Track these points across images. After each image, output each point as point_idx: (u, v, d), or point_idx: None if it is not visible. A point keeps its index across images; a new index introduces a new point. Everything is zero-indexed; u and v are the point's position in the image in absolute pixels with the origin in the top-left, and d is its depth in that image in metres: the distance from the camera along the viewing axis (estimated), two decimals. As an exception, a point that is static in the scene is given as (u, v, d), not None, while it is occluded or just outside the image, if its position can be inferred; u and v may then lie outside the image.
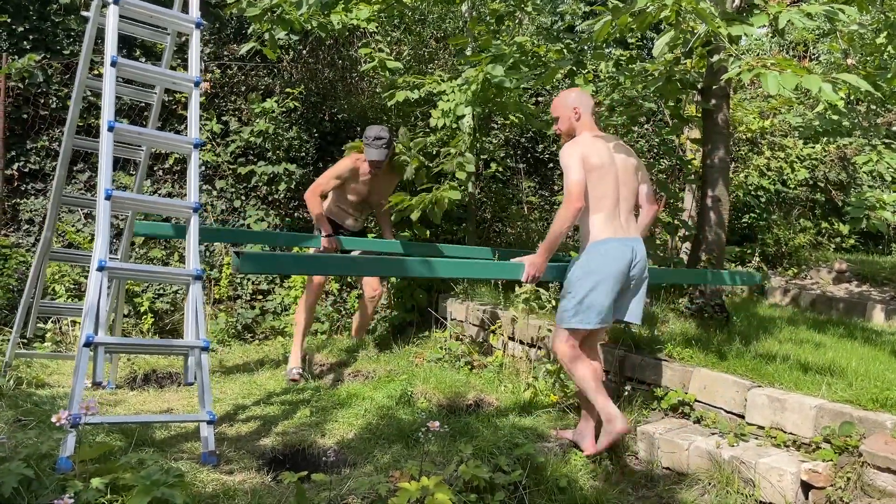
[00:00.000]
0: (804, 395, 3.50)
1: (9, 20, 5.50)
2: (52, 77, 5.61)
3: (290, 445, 3.51)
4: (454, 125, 5.46)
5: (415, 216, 5.10)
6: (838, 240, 8.36)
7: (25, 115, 5.56)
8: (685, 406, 3.88)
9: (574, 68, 5.06)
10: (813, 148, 8.31)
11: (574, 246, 5.57)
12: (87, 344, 2.96)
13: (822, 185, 8.40)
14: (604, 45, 5.19)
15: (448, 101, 5.43)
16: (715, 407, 3.79)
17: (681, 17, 3.49)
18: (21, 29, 5.55)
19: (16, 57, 5.49)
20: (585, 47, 5.20)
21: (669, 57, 5.16)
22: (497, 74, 4.85)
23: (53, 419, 2.34)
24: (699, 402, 3.86)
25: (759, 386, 3.67)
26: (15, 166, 5.55)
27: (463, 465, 2.96)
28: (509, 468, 3.21)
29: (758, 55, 10.37)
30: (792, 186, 8.16)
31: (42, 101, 5.62)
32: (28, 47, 5.57)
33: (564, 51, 5.43)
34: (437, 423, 2.83)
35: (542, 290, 4.65)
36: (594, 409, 3.55)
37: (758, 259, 7.62)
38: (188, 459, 3.17)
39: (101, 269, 3.05)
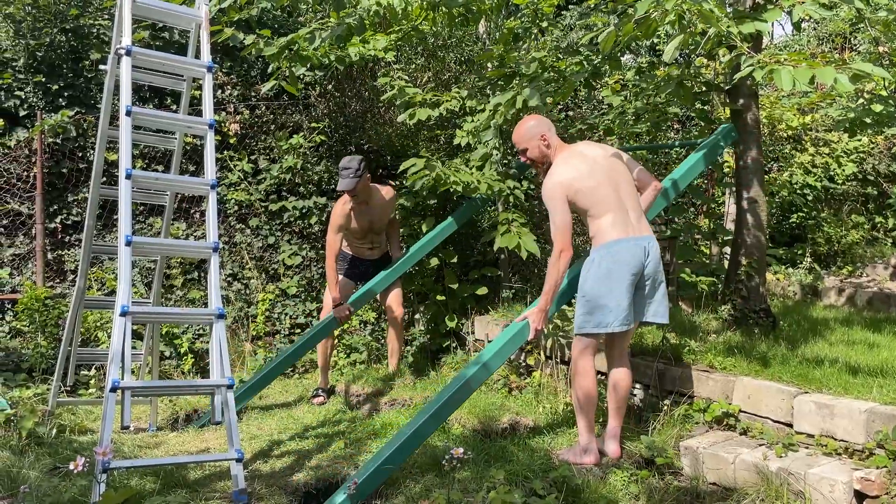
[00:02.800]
0: (854, 400, 3.32)
1: (44, 79, 5.72)
2: (87, 130, 5.80)
3: (322, 479, 3.49)
4: (478, 145, 5.44)
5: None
6: (895, 234, 7.99)
7: (64, 170, 5.75)
8: (730, 417, 3.73)
9: (591, 80, 4.99)
10: (859, 140, 7.99)
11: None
12: (114, 389, 2.99)
13: (873, 178, 8.06)
14: (619, 54, 5.10)
15: (473, 121, 5.42)
16: (761, 417, 3.62)
17: (685, 21, 3.40)
18: (56, 87, 5.76)
19: (52, 114, 5.70)
20: (602, 58, 5.12)
21: (673, 68, 5.06)
22: (533, 100, 4.81)
23: (71, 466, 2.36)
24: (744, 412, 3.70)
25: (806, 392, 3.50)
26: (57, 219, 5.73)
27: (493, 492, 2.88)
28: (544, 492, 3.12)
29: (796, 50, 10.10)
30: (840, 182, 7.85)
31: (80, 154, 5.81)
32: (63, 103, 5.78)
33: (584, 62, 5.36)
34: (461, 450, 2.76)
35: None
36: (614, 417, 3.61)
37: (809, 259, 7.33)
38: (220, 499, 3.17)
39: (123, 314, 3.10)
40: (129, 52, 3.44)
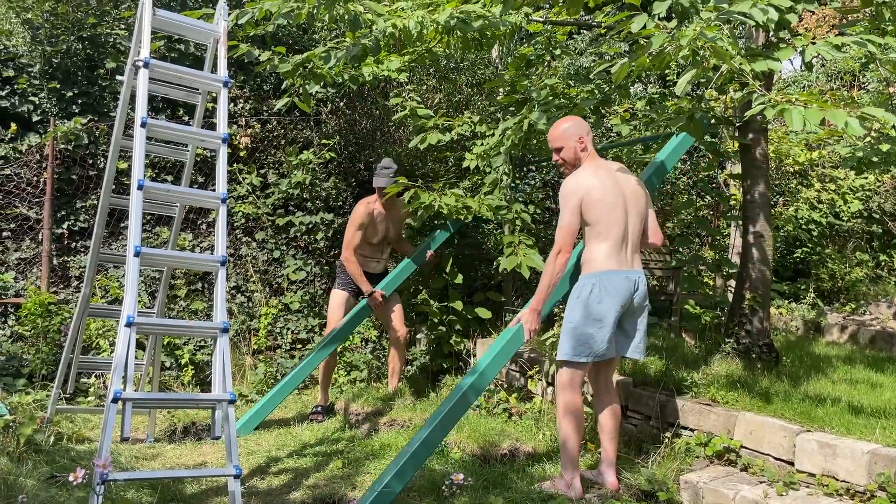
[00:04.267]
0: (856, 440, 3.30)
1: (58, 86, 5.76)
2: (98, 139, 5.84)
3: (319, 499, 3.47)
4: (487, 168, 5.46)
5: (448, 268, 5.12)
6: (899, 272, 7.99)
7: (74, 176, 5.78)
8: (731, 453, 3.70)
9: (600, 107, 5.03)
10: (866, 178, 8.01)
11: None
12: (115, 400, 2.98)
13: (878, 216, 8.07)
14: (628, 84, 5.14)
15: (483, 145, 5.45)
16: (762, 453, 3.60)
17: (699, 56, 3.43)
18: (70, 94, 5.81)
19: (65, 121, 5.74)
20: (612, 87, 5.17)
21: (685, 101, 5.09)
22: (541, 123, 4.84)
23: (70, 477, 2.34)
24: (745, 448, 3.67)
25: (809, 431, 3.48)
26: (64, 225, 5.75)
27: (491, 520, 2.86)
28: (542, 521, 3.09)
29: (804, 87, 10.16)
30: (845, 219, 7.86)
31: (90, 161, 5.84)
32: (77, 111, 5.82)
33: (595, 91, 5.41)
34: (461, 476, 2.75)
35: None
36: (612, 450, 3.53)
37: (813, 295, 7.32)
38: (216, 515, 3.15)
39: (129, 324, 3.10)
40: (146, 65, 3.47)
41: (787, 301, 7.18)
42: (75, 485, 2.42)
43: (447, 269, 5.65)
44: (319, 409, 4.99)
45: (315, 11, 4.70)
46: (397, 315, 5.16)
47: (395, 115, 6.08)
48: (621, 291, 3.41)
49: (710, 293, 5.81)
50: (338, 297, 5.09)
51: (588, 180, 3.45)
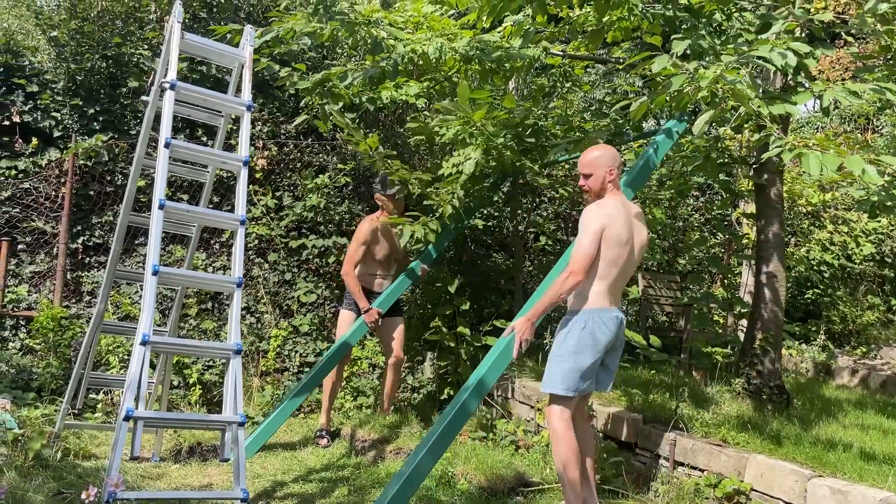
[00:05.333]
0: (868, 487, 3.27)
1: (81, 103, 5.85)
2: (118, 156, 5.90)
3: (325, 526, 3.44)
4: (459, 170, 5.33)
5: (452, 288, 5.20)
6: (911, 317, 7.96)
7: (92, 192, 5.83)
8: (741, 495, 3.67)
9: (613, 140, 5.08)
10: (879, 222, 8.02)
11: None
12: (127, 418, 2.99)
13: (891, 260, 8.06)
14: (642, 121, 5.18)
15: (461, 154, 5.36)
16: (773, 497, 3.57)
17: (718, 97, 3.47)
18: (92, 111, 5.88)
19: (86, 137, 5.81)
20: (627, 121, 5.23)
21: (702, 140, 5.12)
22: (496, 133, 4.83)
23: (83, 496, 2.34)
24: (756, 490, 3.64)
25: (821, 476, 3.45)
26: (80, 240, 5.79)
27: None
28: (550, 558, 3.06)
29: (818, 129, 10.20)
30: (857, 261, 7.85)
31: (108, 178, 5.90)
32: (97, 128, 5.90)
33: (612, 126, 5.46)
34: (470, 509, 2.73)
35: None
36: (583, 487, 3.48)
37: (823, 337, 7.29)
38: (221, 538, 3.13)
39: (144, 343, 3.11)
40: (173, 87, 3.52)
41: (797, 342, 7.15)
42: (87, 503, 2.41)
43: (452, 290, 5.65)
44: (324, 432, 4.97)
45: (337, 33, 4.78)
46: (398, 339, 5.16)
47: (410, 139, 6.12)
48: (612, 329, 3.45)
49: (721, 331, 5.80)
50: (346, 318, 5.08)
51: (615, 214, 3.45)
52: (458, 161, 5.00)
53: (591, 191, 3.57)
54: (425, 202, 5.22)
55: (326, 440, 4.91)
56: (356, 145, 5.06)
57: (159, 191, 3.36)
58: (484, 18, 5.09)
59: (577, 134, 5.37)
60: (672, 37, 4.14)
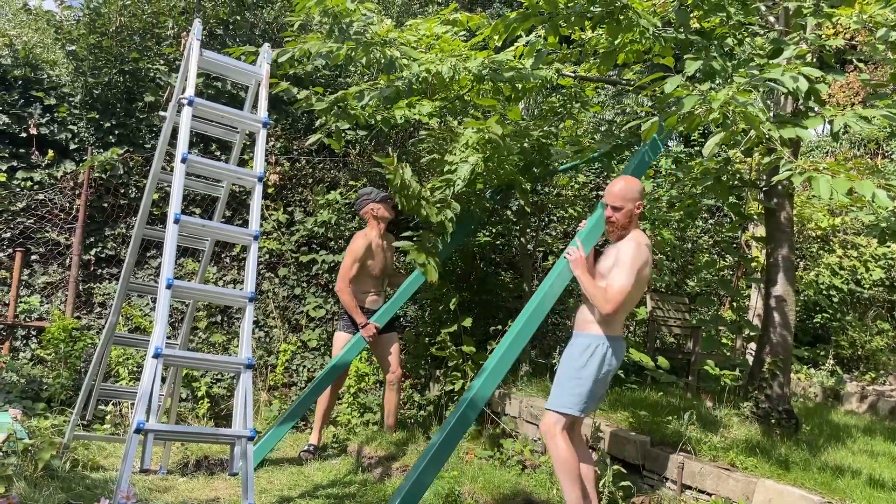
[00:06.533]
0: (879, 515, 3.25)
1: (97, 116, 5.92)
2: (132, 169, 5.97)
3: (331, 542, 3.44)
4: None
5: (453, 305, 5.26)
6: (920, 343, 7.92)
7: (105, 204, 5.89)
8: (749, 520, 3.65)
9: (613, 153, 5.16)
10: (888, 247, 8.00)
11: None
12: (138, 430, 3.00)
13: (900, 285, 8.04)
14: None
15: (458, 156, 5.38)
16: (781, 523, 3.54)
17: (729, 119, 3.50)
18: (108, 124, 5.96)
19: (101, 150, 5.88)
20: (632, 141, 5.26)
21: (712, 162, 5.15)
22: (496, 132, 4.86)
23: (94, 507, 2.35)
24: (764, 516, 3.62)
25: (830, 502, 3.43)
26: (92, 252, 5.84)
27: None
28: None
29: (827, 152, 10.21)
30: (867, 286, 7.83)
31: (122, 191, 5.96)
32: (113, 141, 5.97)
33: (616, 140, 5.51)
34: (478, 528, 2.73)
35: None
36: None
37: (832, 362, 7.26)
38: (228, 552, 3.13)
39: (156, 356, 3.13)
40: (191, 103, 3.57)
41: (805, 366, 7.12)
42: (98, 515, 2.42)
43: (452, 307, 5.67)
44: (311, 447, 4.97)
45: (353, 53, 4.84)
46: (394, 355, 5.20)
47: (422, 158, 6.15)
48: (622, 355, 3.61)
49: (730, 354, 5.79)
50: (341, 339, 5.07)
51: (648, 254, 3.53)
52: (454, 161, 4.99)
53: (617, 224, 3.57)
54: (422, 211, 5.19)
55: (311, 455, 4.92)
56: (390, 175, 5.04)
57: (175, 205, 3.40)
58: (496, 38, 5.14)
59: (585, 151, 5.42)
60: (685, 56, 4.18)
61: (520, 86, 5.46)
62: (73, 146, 5.93)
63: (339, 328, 5.16)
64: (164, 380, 4.77)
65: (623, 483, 3.95)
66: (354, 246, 5.09)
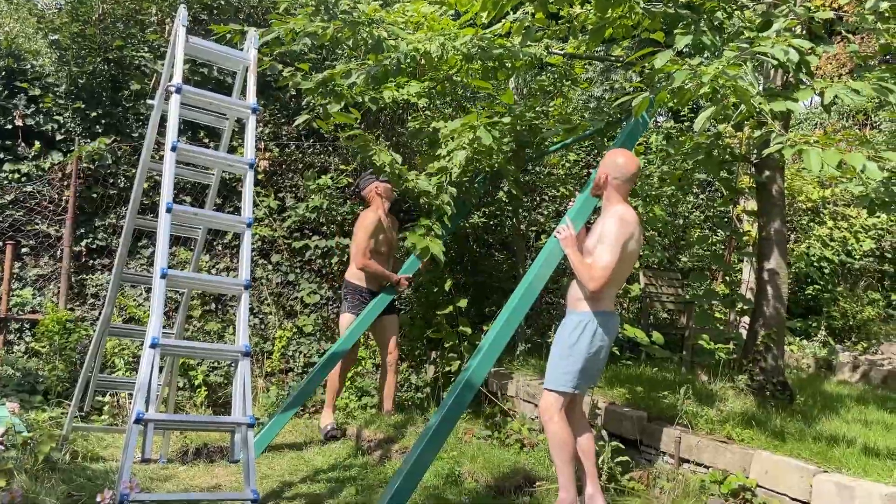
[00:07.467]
0: (874, 483, 3.29)
1: (83, 106, 5.85)
2: (121, 158, 5.91)
3: (334, 526, 3.46)
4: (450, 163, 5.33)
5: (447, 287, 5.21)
6: (910, 312, 7.99)
7: (95, 195, 5.85)
8: (746, 491, 3.69)
9: (605, 131, 5.16)
10: (878, 217, 8.04)
11: None
12: (138, 420, 3.00)
13: (890, 255, 8.09)
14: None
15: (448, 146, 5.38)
16: (779, 493, 3.59)
17: (719, 93, 3.49)
18: (94, 114, 5.89)
19: (88, 140, 5.82)
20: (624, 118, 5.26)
21: (703, 137, 5.15)
22: (483, 134, 4.86)
23: (98, 498, 2.36)
24: (761, 487, 3.67)
25: (826, 471, 3.47)
26: (83, 243, 5.80)
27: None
28: (558, 555, 3.08)
29: (816, 125, 10.23)
30: (857, 257, 7.88)
31: (111, 181, 5.91)
32: (100, 131, 5.91)
33: (606, 118, 5.50)
34: (480, 508, 2.76)
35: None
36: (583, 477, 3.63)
37: (824, 333, 7.32)
38: (232, 539, 3.15)
39: (153, 346, 3.12)
40: (179, 90, 3.53)
41: (798, 338, 7.18)
42: (101, 505, 2.43)
43: (446, 289, 5.69)
44: (331, 427, 5.06)
45: (339, 34, 4.79)
46: (395, 338, 5.28)
47: (412, 141, 6.15)
48: (615, 330, 3.65)
49: (723, 328, 5.82)
50: (348, 320, 5.09)
51: (637, 229, 3.54)
52: (451, 149, 4.99)
53: (595, 184, 3.71)
54: (421, 200, 5.21)
55: (334, 430, 5.03)
56: (365, 151, 5.04)
57: (166, 194, 3.37)
58: (484, 15, 5.10)
59: (578, 132, 5.41)
60: (674, 31, 4.16)
61: (509, 64, 5.43)
62: (59, 137, 5.87)
63: (344, 310, 5.17)
64: (161, 369, 4.76)
65: (621, 458, 3.99)
66: (366, 221, 5.10)
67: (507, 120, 5.22)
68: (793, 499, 3.51)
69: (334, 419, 5.16)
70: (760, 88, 4.30)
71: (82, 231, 5.82)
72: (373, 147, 5.14)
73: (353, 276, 5.16)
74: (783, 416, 4.29)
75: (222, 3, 6.63)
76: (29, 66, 5.93)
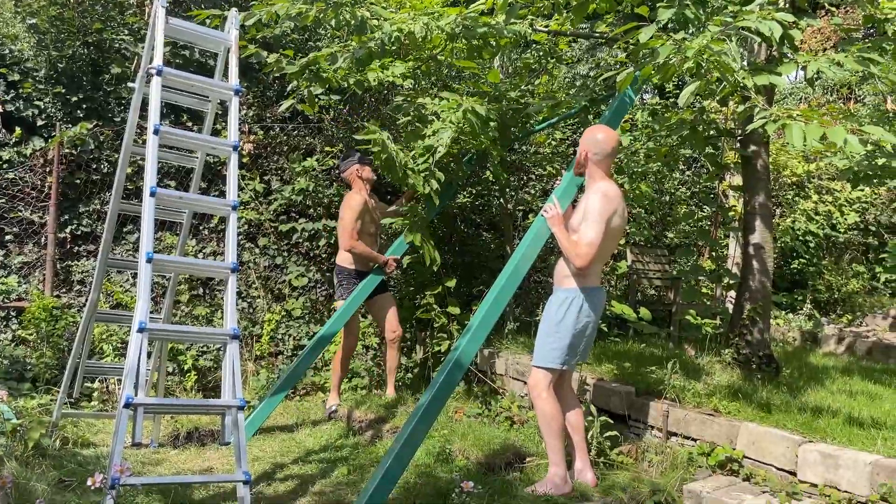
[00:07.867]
0: (858, 451, 3.35)
1: (63, 91, 5.78)
2: (103, 143, 5.85)
3: (326, 505, 3.49)
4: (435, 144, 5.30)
5: (436, 267, 5.20)
6: (895, 285, 8.07)
7: (78, 181, 5.79)
8: (733, 463, 3.75)
9: (590, 107, 5.16)
10: (862, 191, 8.11)
11: None
12: (127, 405, 3.00)
13: (874, 228, 8.16)
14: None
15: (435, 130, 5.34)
16: (765, 464, 3.65)
17: (703, 68, 3.50)
18: (75, 99, 5.82)
19: (70, 125, 5.75)
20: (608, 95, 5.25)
21: (688, 112, 5.15)
22: (480, 111, 4.85)
23: (89, 482, 2.36)
24: (748, 458, 3.72)
25: (811, 441, 3.53)
26: (67, 229, 5.75)
27: (499, 527, 2.89)
28: (549, 529, 3.12)
29: (801, 99, 10.26)
30: (842, 231, 7.95)
31: (94, 166, 5.85)
32: (81, 116, 5.84)
33: (590, 94, 5.50)
34: (471, 484, 2.78)
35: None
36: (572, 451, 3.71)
37: (809, 306, 7.40)
38: (225, 520, 3.17)
39: (141, 330, 3.12)
40: (159, 73, 3.49)
41: (784, 312, 7.25)
42: (93, 489, 2.43)
43: (435, 269, 5.68)
44: (335, 406, 5.14)
45: (322, 15, 4.74)
46: (393, 315, 5.29)
47: (397, 121, 6.09)
48: (601, 305, 3.67)
49: (710, 303, 5.87)
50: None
51: (621, 205, 3.57)
52: (435, 129, 4.95)
53: (578, 161, 3.72)
54: (409, 181, 5.18)
55: (338, 408, 5.10)
56: (375, 149, 4.98)
57: (150, 178, 3.34)
58: (467, -9, 5.07)
59: (563, 110, 5.40)
60: (657, 5, 4.15)
61: (493, 42, 5.40)
62: (40, 122, 5.79)
63: (338, 297, 5.17)
64: (149, 355, 4.75)
65: (610, 433, 4.04)
66: (352, 203, 5.10)
67: (493, 105, 5.20)
68: (779, 469, 3.56)
69: (339, 400, 5.23)
70: (744, 63, 4.31)
71: (66, 217, 5.77)
72: (389, 147, 5.05)
73: (344, 259, 5.15)
74: (769, 389, 4.34)
75: (203, -16, 6.55)
76: (7, 50, 5.83)
